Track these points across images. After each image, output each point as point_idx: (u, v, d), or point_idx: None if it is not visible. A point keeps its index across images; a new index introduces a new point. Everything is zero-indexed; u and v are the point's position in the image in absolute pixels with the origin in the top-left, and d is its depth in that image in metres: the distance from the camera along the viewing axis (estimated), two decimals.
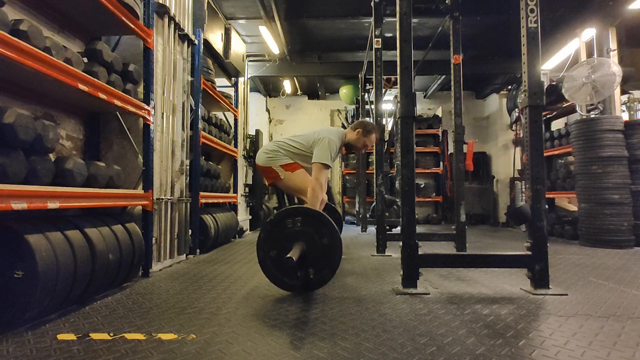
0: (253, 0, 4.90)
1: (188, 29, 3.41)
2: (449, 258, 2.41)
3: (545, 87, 2.43)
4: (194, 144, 3.51)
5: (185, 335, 1.46)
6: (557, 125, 6.23)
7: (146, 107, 2.53)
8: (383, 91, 4.44)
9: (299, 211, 2.10)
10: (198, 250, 3.50)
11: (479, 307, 1.83)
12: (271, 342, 1.40)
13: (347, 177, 8.37)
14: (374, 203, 4.09)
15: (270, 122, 8.83)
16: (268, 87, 8.58)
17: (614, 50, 4.55)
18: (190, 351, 1.31)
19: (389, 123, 7.69)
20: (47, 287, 1.53)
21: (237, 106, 5.07)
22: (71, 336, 1.45)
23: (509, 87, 7.16)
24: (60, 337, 1.44)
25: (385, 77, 5.89)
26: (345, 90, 7.99)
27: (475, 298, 2.00)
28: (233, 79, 5.16)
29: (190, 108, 3.45)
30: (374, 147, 3.83)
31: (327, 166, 2.53)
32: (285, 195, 3.14)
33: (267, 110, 8.81)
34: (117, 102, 2.19)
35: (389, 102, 8.25)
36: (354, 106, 8.11)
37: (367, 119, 2.89)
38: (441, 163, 8.24)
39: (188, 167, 3.40)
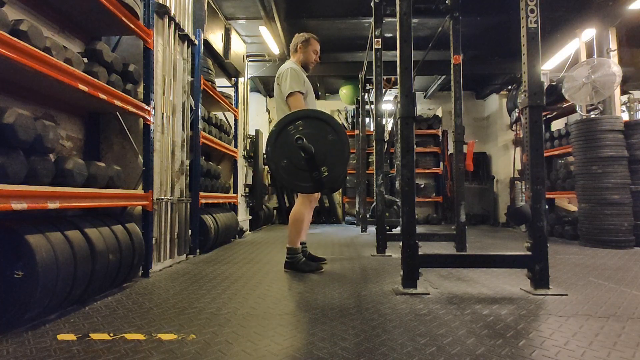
0: (253, 1, 4.90)
1: (188, 29, 3.41)
2: (449, 258, 2.41)
3: (545, 88, 2.43)
4: (194, 144, 3.51)
5: (185, 335, 1.46)
6: (557, 125, 6.23)
7: (146, 107, 2.53)
8: (383, 91, 4.44)
9: (298, 115, 2.13)
10: (198, 251, 3.50)
11: (479, 308, 1.83)
12: (271, 342, 1.40)
13: (347, 177, 8.37)
14: (374, 203, 4.09)
15: (270, 122, 8.83)
16: (268, 87, 8.58)
17: (614, 50, 4.55)
18: (190, 351, 1.31)
19: (389, 123, 7.69)
20: (47, 287, 1.53)
21: (237, 106, 5.07)
22: (71, 336, 1.45)
23: (509, 87, 7.16)
24: (60, 337, 1.44)
25: (385, 77, 5.90)
26: (345, 91, 7.99)
27: (475, 298, 2.00)
28: (233, 79, 5.16)
29: (190, 108, 3.45)
30: (374, 147, 3.83)
31: (298, 92, 2.56)
32: (285, 194, 3.18)
33: (267, 110, 8.81)
34: (117, 103, 2.19)
35: (389, 102, 8.25)
36: (354, 106, 8.12)
37: (297, 34, 2.93)
38: (441, 163, 8.23)
39: (188, 168, 3.40)
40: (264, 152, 2.10)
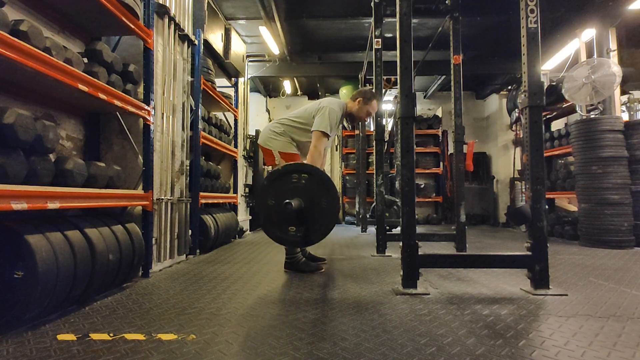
0: (253, 1, 4.90)
1: (188, 29, 3.41)
2: (449, 258, 2.41)
3: (545, 88, 2.43)
4: (194, 144, 3.51)
5: (185, 335, 1.46)
6: (557, 125, 6.23)
7: (146, 107, 2.53)
8: (383, 91, 4.44)
9: (308, 170, 2.11)
10: (198, 251, 3.50)
11: (479, 308, 1.83)
12: (271, 342, 1.40)
13: (347, 178, 8.37)
14: (374, 203, 4.09)
15: (270, 122, 8.83)
16: (268, 88, 8.58)
17: (614, 50, 4.55)
18: (190, 351, 1.31)
19: (389, 123, 7.69)
20: (47, 287, 1.53)
21: (237, 106, 5.07)
22: (71, 336, 1.45)
23: (509, 87, 7.16)
24: (60, 337, 1.44)
25: (385, 77, 5.89)
26: (345, 91, 7.98)
27: (475, 298, 2.00)
28: (233, 79, 5.16)
29: (190, 108, 3.45)
30: (374, 147, 3.83)
31: (325, 134, 2.54)
32: None
33: (267, 110, 8.81)
34: (117, 103, 2.19)
35: (389, 102, 8.25)
36: None
37: (367, 88, 2.90)
38: (441, 163, 8.23)
39: (188, 168, 3.40)
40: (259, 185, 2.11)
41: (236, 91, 5.14)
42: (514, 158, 7.00)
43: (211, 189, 4.00)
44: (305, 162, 2.47)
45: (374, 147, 3.85)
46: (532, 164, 2.15)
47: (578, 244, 4.35)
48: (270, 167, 2.77)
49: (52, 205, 1.63)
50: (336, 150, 8.83)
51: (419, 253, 2.10)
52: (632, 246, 4.02)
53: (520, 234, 5.78)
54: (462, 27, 3.61)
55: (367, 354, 1.28)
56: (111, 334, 1.47)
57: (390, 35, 5.60)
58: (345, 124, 8.62)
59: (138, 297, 2.03)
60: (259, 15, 5.18)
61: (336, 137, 8.97)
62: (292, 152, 2.68)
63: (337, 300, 1.98)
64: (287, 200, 1.87)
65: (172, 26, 3.10)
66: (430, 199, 8.17)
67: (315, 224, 2.05)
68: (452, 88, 3.58)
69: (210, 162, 4.28)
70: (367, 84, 6.39)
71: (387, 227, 4.08)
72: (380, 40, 3.75)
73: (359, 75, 6.31)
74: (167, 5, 3.00)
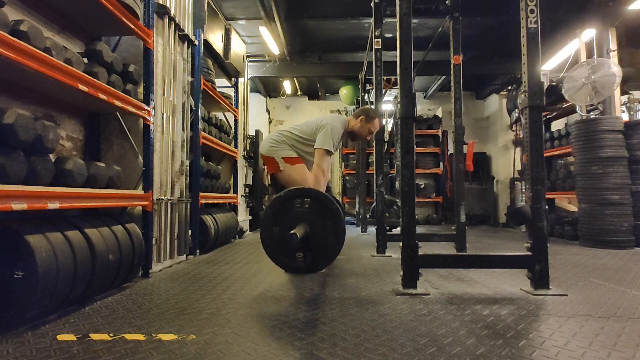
0: (253, 1, 4.90)
1: (188, 29, 3.41)
2: (449, 258, 2.41)
3: (545, 88, 2.43)
4: (194, 144, 3.51)
5: (185, 335, 1.46)
6: (557, 125, 6.23)
7: (146, 107, 2.53)
8: (383, 92, 4.44)
9: (309, 194, 2.11)
10: (198, 251, 3.50)
11: (479, 308, 1.83)
12: (271, 342, 1.40)
13: (347, 178, 8.37)
14: (374, 203, 4.09)
15: (270, 122, 8.84)
16: (268, 88, 8.58)
17: (614, 50, 4.55)
18: (190, 352, 1.31)
19: (389, 123, 7.69)
20: (47, 287, 1.53)
21: (237, 107, 5.07)
22: (71, 337, 1.45)
23: (509, 87, 7.17)
24: (60, 337, 1.44)
25: (385, 77, 5.89)
26: (345, 91, 7.99)
27: (475, 298, 2.00)
28: (233, 79, 5.16)
29: (190, 108, 3.45)
30: (374, 147, 3.83)
31: (329, 152, 2.56)
32: None
33: (267, 110, 8.81)
34: (117, 103, 2.19)
35: (389, 102, 8.25)
36: (354, 107, 8.11)
37: (369, 107, 2.90)
38: (441, 163, 8.23)
39: (188, 168, 3.40)
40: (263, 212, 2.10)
41: (236, 91, 5.14)
42: (514, 158, 7.01)
43: (211, 189, 4.00)
44: (308, 178, 2.48)
45: (374, 147, 3.85)
46: (532, 164, 2.15)
47: (578, 244, 4.35)
48: (274, 175, 2.76)
49: (52, 205, 1.63)
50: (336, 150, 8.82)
51: (419, 253, 2.10)
52: (632, 246, 4.02)
53: (520, 234, 5.78)
54: (462, 27, 3.61)
55: (367, 354, 1.28)
56: (111, 334, 1.47)
57: (390, 35, 5.61)
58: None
59: (138, 298, 2.03)
60: (259, 15, 5.18)
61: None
62: (295, 156, 2.68)
63: (337, 300, 1.98)
64: (292, 232, 1.84)
65: (172, 26, 3.10)
66: (430, 199, 8.17)
67: (322, 248, 2.04)
68: (452, 88, 3.58)
69: (210, 162, 4.28)
70: (367, 84, 6.39)
71: (387, 227, 4.08)
72: (380, 40, 3.75)
73: (359, 76, 6.30)
74: (167, 5, 3.00)
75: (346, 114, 8.71)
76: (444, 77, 7.48)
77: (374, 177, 3.80)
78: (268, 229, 2.08)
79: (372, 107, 2.86)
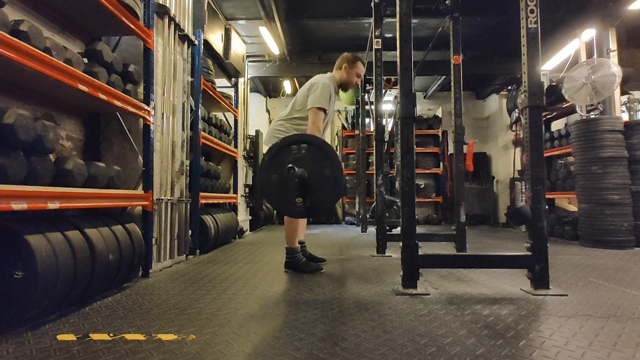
0: (253, 1, 4.90)
1: (188, 29, 3.41)
2: (449, 259, 2.41)
3: (545, 88, 2.43)
4: (194, 144, 3.51)
5: (185, 335, 1.46)
6: (557, 125, 6.23)
7: (146, 107, 2.53)
8: (383, 92, 4.44)
9: (306, 139, 2.11)
10: (198, 251, 3.50)
11: (479, 308, 1.83)
12: (271, 342, 1.40)
13: (347, 178, 8.36)
14: (374, 203, 4.09)
15: (270, 122, 8.83)
16: (268, 88, 8.58)
17: (614, 50, 4.55)
18: (190, 352, 1.31)
19: (389, 123, 7.69)
20: (46, 287, 1.53)
21: (237, 107, 5.07)
22: (71, 337, 1.45)
23: (509, 87, 7.16)
24: (60, 337, 1.44)
25: (385, 77, 5.89)
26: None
27: (475, 298, 2.00)
28: (233, 79, 5.16)
29: (190, 108, 3.45)
30: (374, 147, 3.83)
31: (322, 109, 2.57)
32: None
33: (267, 110, 8.82)
34: (117, 103, 2.19)
35: (389, 102, 8.25)
36: (354, 107, 8.11)
37: (346, 53, 2.94)
38: (441, 163, 8.23)
39: (188, 168, 3.40)
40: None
41: (236, 91, 5.14)
42: (514, 158, 7.01)
43: (211, 189, 4.00)
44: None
45: (374, 147, 3.85)
46: (532, 164, 2.15)
47: (578, 244, 4.35)
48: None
49: (52, 205, 1.63)
50: (336, 150, 8.82)
51: (419, 253, 2.10)
52: (632, 246, 4.02)
53: (520, 234, 5.78)
54: (462, 27, 3.61)
55: (367, 354, 1.28)
56: (111, 334, 1.47)
57: (390, 35, 5.60)
58: (345, 124, 8.64)
59: (138, 297, 2.03)
60: (259, 15, 5.18)
61: (336, 137, 8.98)
62: None
63: (337, 300, 1.98)
64: (290, 165, 1.86)
65: (172, 26, 3.10)
66: (430, 199, 8.17)
67: (322, 192, 2.04)
68: (452, 88, 3.58)
69: (210, 162, 4.28)
70: (367, 84, 6.38)
71: (387, 227, 4.07)
72: (380, 40, 3.75)
73: None
74: (167, 5, 3.00)
75: (346, 114, 8.72)
76: (444, 77, 7.47)
77: (374, 177, 3.80)
78: (267, 177, 2.07)
79: (349, 54, 2.88)
